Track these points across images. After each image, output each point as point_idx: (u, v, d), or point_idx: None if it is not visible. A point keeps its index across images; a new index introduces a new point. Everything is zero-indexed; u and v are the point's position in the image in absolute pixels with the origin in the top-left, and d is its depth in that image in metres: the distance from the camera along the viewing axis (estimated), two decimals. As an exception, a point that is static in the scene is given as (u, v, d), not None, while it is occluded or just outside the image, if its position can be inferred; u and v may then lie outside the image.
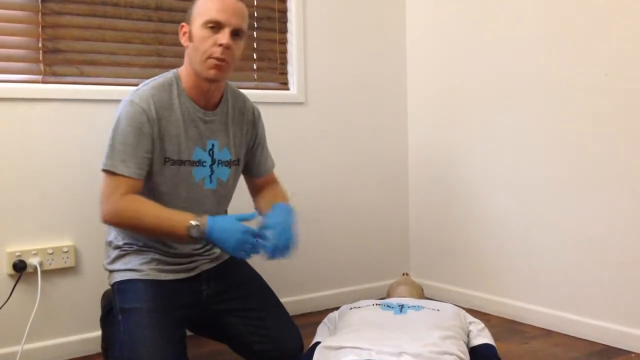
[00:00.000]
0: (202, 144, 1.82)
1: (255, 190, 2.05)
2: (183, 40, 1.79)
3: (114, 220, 1.70)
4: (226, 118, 1.88)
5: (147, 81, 1.81)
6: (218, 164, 1.86)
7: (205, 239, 1.67)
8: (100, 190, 1.71)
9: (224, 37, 1.70)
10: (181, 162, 1.78)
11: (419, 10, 2.96)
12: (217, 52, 1.71)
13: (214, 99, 1.85)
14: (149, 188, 1.77)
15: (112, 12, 2.30)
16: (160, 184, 1.77)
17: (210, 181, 1.85)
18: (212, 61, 1.72)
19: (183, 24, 1.79)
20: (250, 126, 1.97)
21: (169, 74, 1.82)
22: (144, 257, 1.80)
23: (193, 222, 1.64)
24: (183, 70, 1.82)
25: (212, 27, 1.71)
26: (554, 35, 2.37)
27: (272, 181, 2.07)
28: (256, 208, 2.02)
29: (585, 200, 2.28)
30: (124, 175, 1.68)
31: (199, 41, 1.72)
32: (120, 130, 1.70)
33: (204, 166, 1.83)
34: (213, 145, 1.84)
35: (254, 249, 1.67)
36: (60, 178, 2.17)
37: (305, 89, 2.73)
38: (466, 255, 2.78)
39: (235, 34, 1.74)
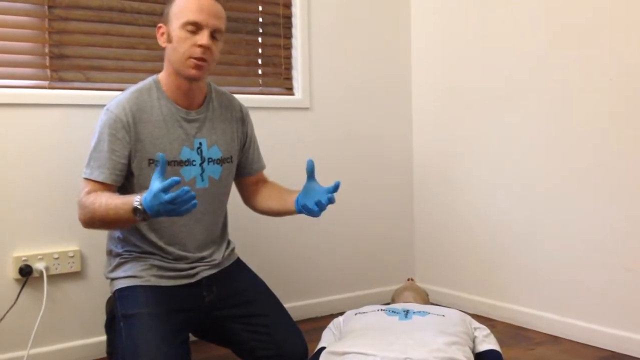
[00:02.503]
0: (189, 143, 1.83)
1: (251, 192, 2.04)
2: (161, 41, 1.80)
3: (80, 217, 1.73)
4: (212, 116, 1.89)
5: (128, 88, 1.84)
6: (208, 162, 1.86)
7: (154, 215, 1.57)
8: None
9: (203, 38, 1.72)
10: (167, 163, 1.78)
11: (424, 14, 2.96)
12: (197, 52, 1.73)
13: (197, 98, 1.86)
14: (137, 191, 1.77)
15: (118, 18, 2.31)
16: (147, 186, 1.77)
17: (202, 180, 1.86)
18: (193, 61, 1.74)
19: (160, 24, 1.80)
20: (239, 123, 1.98)
21: (147, 80, 1.85)
22: (144, 264, 1.80)
23: (136, 204, 1.58)
24: (163, 74, 1.85)
25: (190, 29, 1.72)
26: (558, 40, 2.36)
27: (266, 180, 2.07)
28: (261, 209, 2.01)
29: (592, 205, 2.28)
30: (97, 181, 1.72)
31: (178, 42, 1.74)
32: (97, 139, 1.76)
33: (194, 165, 1.83)
34: (200, 143, 1.85)
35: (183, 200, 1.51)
36: (65, 183, 2.17)
37: (310, 94, 2.73)
38: (471, 260, 2.77)
39: (214, 34, 1.75)
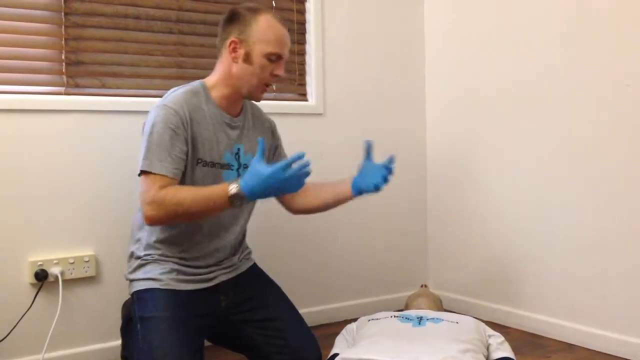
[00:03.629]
0: (230, 148, 1.86)
1: (294, 198, 2.01)
2: (232, 56, 1.81)
3: (157, 213, 1.67)
4: (249, 125, 1.95)
5: (174, 88, 1.85)
6: (244, 168, 1.89)
7: (251, 198, 1.67)
8: (139, 193, 1.71)
9: (280, 69, 1.84)
10: (213, 164, 1.82)
11: (438, 19, 2.96)
12: (272, 80, 1.85)
13: (238, 108, 1.92)
14: None
15: (133, 25, 2.33)
16: (191, 184, 1.79)
17: None
18: (265, 87, 1.85)
19: (235, 39, 1.80)
20: (269, 134, 2.02)
21: (195, 83, 1.86)
22: (163, 267, 1.81)
23: (232, 191, 1.64)
24: (214, 80, 1.86)
25: (274, 59, 1.81)
26: (574, 45, 2.35)
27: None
28: (312, 207, 2.02)
29: (609, 211, 2.26)
30: (161, 174, 1.69)
31: (259, 69, 1.81)
32: (155, 133, 1.72)
33: (232, 169, 1.87)
34: (239, 149, 1.89)
35: (299, 175, 1.64)
36: (81, 188, 2.19)
37: (324, 99, 2.74)
38: (486, 267, 2.76)
39: None
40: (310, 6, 2.70)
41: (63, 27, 2.21)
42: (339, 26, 2.78)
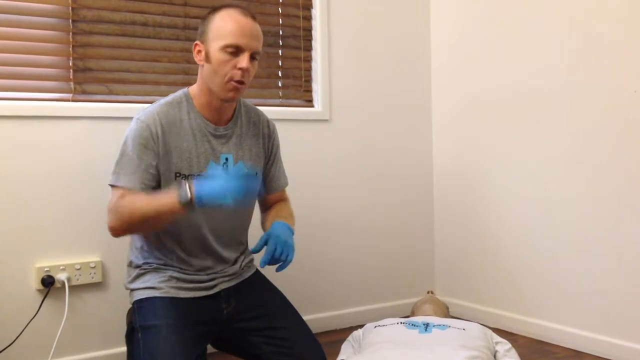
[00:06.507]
0: (215, 158, 1.84)
1: (265, 208, 2.04)
2: (198, 59, 1.81)
3: (114, 223, 1.71)
4: (240, 132, 1.90)
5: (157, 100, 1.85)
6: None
7: (201, 205, 1.59)
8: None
9: (243, 61, 1.73)
10: (193, 177, 1.79)
11: (444, 27, 2.96)
12: (237, 75, 1.73)
13: (226, 115, 1.87)
14: None
15: (140, 32, 2.34)
16: None
17: None
18: (232, 84, 1.74)
19: (197, 42, 1.80)
20: (266, 139, 1.98)
21: (178, 93, 1.85)
22: (162, 275, 1.81)
23: (182, 192, 1.59)
24: (195, 88, 1.85)
25: (231, 51, 1.73)
26: (581, 52, 2.35)
27: (283, 199, 2.07)
28: (262, 225, 2.00)
29: (616, 218, 2.24)
30: (126, 188, 1.72)
31: (218, 64, 1.74)
32: (126, 147, 1.76)
33: None
34: (227, 159, 1.86)
35: (250, 191, 1.69)
36: (88, 194, 2.20)
37: (330, 106, 2.74)
38: (493, 273, 2.74)
39: (253, 56, 1.77)
40: (317, 13, 2.71)
41: (71, 34, 2.22)
42: (345, 33, 2.78)
